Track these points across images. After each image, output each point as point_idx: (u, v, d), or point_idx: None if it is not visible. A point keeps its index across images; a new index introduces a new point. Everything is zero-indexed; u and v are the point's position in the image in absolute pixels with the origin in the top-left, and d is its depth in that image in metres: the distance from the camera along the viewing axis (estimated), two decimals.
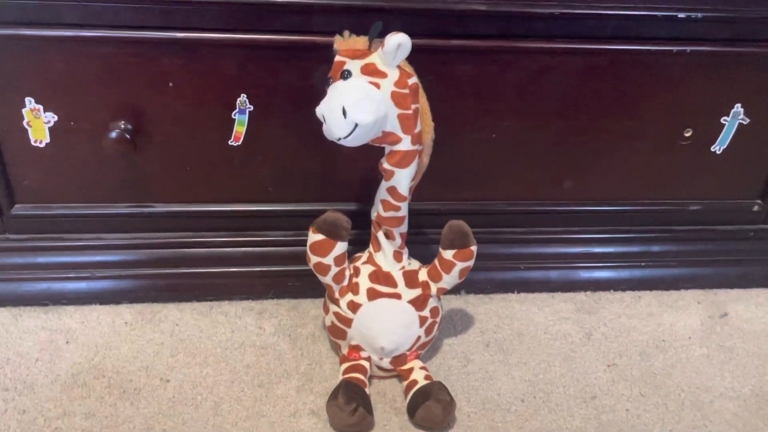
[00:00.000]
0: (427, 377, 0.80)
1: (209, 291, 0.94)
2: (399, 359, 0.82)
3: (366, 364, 0.81)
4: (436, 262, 0.80)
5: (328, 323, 0.83)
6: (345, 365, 0.81)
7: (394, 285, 0.79)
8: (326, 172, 0.89)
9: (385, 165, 0.73)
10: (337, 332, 0.82)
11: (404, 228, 0.78)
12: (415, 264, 0.82)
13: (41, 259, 0.91)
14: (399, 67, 0.69)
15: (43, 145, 0.83)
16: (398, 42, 0.66)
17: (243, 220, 0.92)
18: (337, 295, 0.80)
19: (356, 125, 0.67)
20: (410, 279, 0.79)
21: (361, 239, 0.84)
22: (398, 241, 0.78)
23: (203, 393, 0.80)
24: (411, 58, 0.70)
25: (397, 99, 0.69)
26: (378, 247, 0.79)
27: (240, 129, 0.84)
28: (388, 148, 0.73)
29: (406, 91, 0.69)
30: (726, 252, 1.03)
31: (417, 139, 0.72)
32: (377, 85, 0.68)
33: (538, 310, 0.97)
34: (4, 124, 0.81)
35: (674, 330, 0.95)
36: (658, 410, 0.82)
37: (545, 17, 0.80)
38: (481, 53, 0.82)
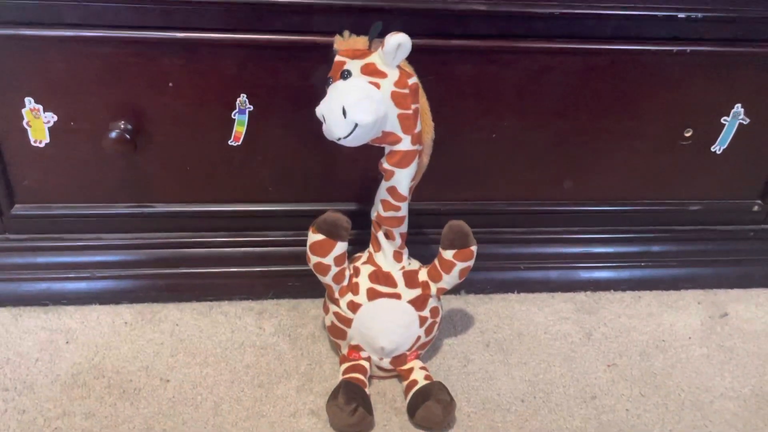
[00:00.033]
0: (427, 377, 0.80)
1: (209, 291, 0.94)
2: (399, 359, 0.81)
3: (366, 364, 0.81)
4: (436, 262, 0.80)
5: (328, 323, 0.83)
6: (345, 365, 0.81)
7: (394, 285, 0.79)
8: (326, 172, 0.89)
9: (385, 165, 0.73)
10: (337, 332, 0.82)
11: (404, 228, 0.78)
12: (415, 264, 0.82)
13: (41, 259, 0.91)
14: (399, 67, 0.69)
15: (42, 145, 0.83)
16: (398, 42, 0.66)
17: (243, 220, 0.92)
18: (337, 295, 0.80)
19: (356, 125, 0.67)
20: (410, 279, 0.79)
21: (361, 239, 0.84)
22: (398, 241, 0.78)
23: (203, 393, 0.80)
24: (411, 58, 0.70)
25: (397, 99, 0.69)
26: (378, 247, 0.79)
27: (240, 129, 0.84)
28: (388, 148, 0.73)
29: (406, 91, 0.69)
30: (726, 252, 1.03)
31: (417, 139, 0.72)
32: (377, 85, 0.68)
33: (538, 310, 0.97)
34: (3, 124, 0.81)
35: (674, 330, 0.95)
36: (658, 410, 0.82)
37: (545, 17, 0.80)
38: (481, 53, 0.82)
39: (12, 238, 0.89)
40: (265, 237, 0.93)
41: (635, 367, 0.88)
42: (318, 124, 0.69)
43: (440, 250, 0.79)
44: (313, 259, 0.77)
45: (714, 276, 1.03)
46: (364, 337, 0.80)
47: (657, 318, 0.97)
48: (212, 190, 0.89)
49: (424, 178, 0.76)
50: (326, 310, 0.83)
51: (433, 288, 0.80)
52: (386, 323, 0.79)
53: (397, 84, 0.69)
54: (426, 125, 0.73)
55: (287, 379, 0.83)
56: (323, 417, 0.77)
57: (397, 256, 0.79)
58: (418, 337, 0.81)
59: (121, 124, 0.81)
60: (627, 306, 0.99)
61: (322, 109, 0.68)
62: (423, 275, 0.80)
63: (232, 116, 0.83)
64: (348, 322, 0.80)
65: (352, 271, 0.80)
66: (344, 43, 0.70)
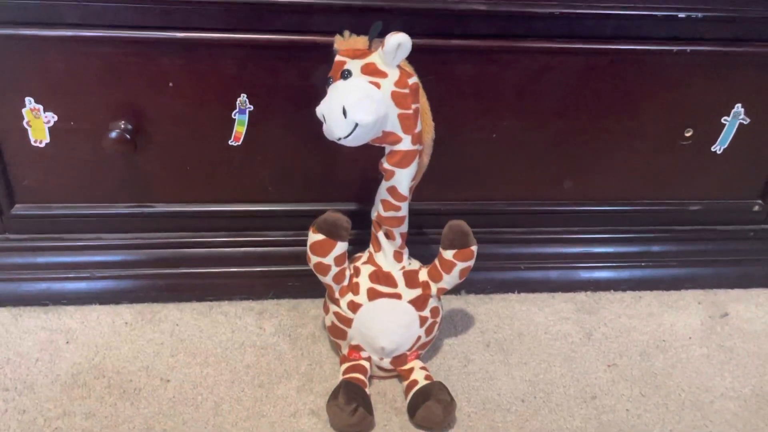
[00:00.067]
0: (427, 377, 0.80)
1: (209, 291, 0.94)
2: (399, 359, 0.81)
3: (366, 364, 0.81)
4: (436, 262, 0.80)
5: (328, 323, 0.83)
6: (345, 365, 0.81)
7: (395, 285, 0.79)
8: (326, 172, 0.89)
9: (386, 165, 0.73)
10: (337, 332, 0.82)
11: (404, 228, 0.78)
12: (415, 264, 0.82)
13: (41, 259, 0.91)
14: (399, 66, 0.69)
15: (43, 145, 0.82)
16: (398, 42, 0.66)
17: (243, 220, 0.92)
18: (337, 295, 0.80)
19: (356, 125, 0.67)
20: (410, 279, 0.79)
21: (361, 239, 0.84)
22: (398, 241, 0.78)
23: (203, 393, 0.80)
24: (411, 58, 0.70)
25: (397, 99, 0.69)
26: (378, 247, 0.79)
27: (240, 129, 0.84)
28: (388, 148, 0.73)
29: (407, 90, 0.69)
30: (726, 252, 1.03)
31: (417, 139, 0.72)
32: (377, 85, 0.68)
33: (538, 310, 0.97)
34: (4, 123, 0.81)
35: (674, 330, 0.95)
36: (659, 410, 0.82)
37: (545, 17, 0.80)
38: (481, 53, 0.82)
39: (12, 238, 0.89)
40: (266, 237, 0.93)
41: (635, 367, 0.88)
42: (318, 123, 0.69)
43: (440, 250, 0.79)
44: (314, 259, 0.77)
45: (714, 276, 1.03)
46: (364, 337, 0.80)
47: (657, 318, 0.97)
48: (212, 190, 0.89)
49: (424, 178, 0.76)
50: (326, 310, 0.83)
51: (434, 288, 0.80)
52: (386, 323, 0.79)
53: (397, 84, 0.69)
54: (426, 125, 0.73)
55: (287, 379, 0.83)
56: (323, 417, 0.77)
57: (398, 256, 0.79)
58: (419, 337, 0.81)
59: (121, 124, 0.81)
60: (627, 306, 0.99)
61: (322, 109, 0.68)
62: (423, 275, 0.80)
63: (232, 116, 0.83)
64: (348, 322, 0.80)
65: (352, 271, 0.80)
66: (344, 42, 0.70)
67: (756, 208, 1.00)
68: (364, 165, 0.87)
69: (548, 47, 0.82)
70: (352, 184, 0.90)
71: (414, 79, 0.70)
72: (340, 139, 0.68)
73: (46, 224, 0.89)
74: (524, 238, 0.99)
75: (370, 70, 0.68)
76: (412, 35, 0.67)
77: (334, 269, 0.77)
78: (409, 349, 0.81)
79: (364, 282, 0.79)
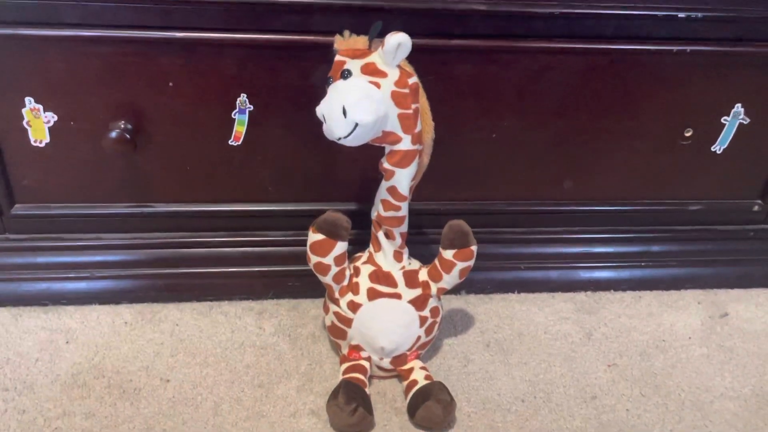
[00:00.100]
0: (427, 377, 0.80)
1: (209, 291, 0.94)
2: (399, 359, 0.81)
3: (366, 364, 0.81)
4: (436, 261, 0.80)
5: (328, 323, 0.83)
6: (345, 365, 0.81)
7: (394, 285, 0.79)
8: (326, 171, 0.89)
9: (386, 165, 0.73)
10: (337, 332, 0.82)
11: (404, 228, 0.78)
12: (415, 264, 0.82)
13: (41, 259, 0.90)
14: (399, 66, 0.69)
15: (42, 144, 0.82)
16: (398, 41, 0.66)
17: (243, 220, 0.92)
18: (337, 294, 0.80)
19: (356, 125, 0.67)
20: (410, 279, 0.79)
21: (361, 239, 0.84)
22: (398, 240, 0.78)
23: (203, 393, 0.80)
24: (411, 58, 0.70)
25: (397, 98, 0.69)
26: (378, 246, 0.79)
27: (240, 129, 0.84)
28: (388, 148, 0.73)
29: (407, 90, 0.69)
30: (726, 252, 1.03)
31: (417, 139, 0.72)
32: (377, 85, 0.68)
33: (538, 310, 0.97)
34: (4, 123, 0.81)
35: (674, 330, 0.95)
36: (659, 410, 0.82)
37: (545, 17, 0.80)
38: (480, 53, 0.82)
39: (12, 237, 0.89)
40: (265, 237, 0.93)
41: (635, 367, 0.88)
42: (318, 123, 0.69)
43: (440, 249, 0.79)
44: (314, 259, 0.77)
45: (714, 276, 1.03)
46: (364, 337, 0.80)
47: (657, 318, 0.97)
48: (212, 190, 0.89)
49: (424, 178, 0.76)
50: (326, 310, 0.83)
51: (434, 288, 0.80)
52: (386, 323, 0.79)
53: (397, 84, 0.69)
54: (426, 125, 0.73)
55: (287, 379, 0.83)
56: (323, 417, 0.77)
57: (398, 256, 0.79)
58: (419, 337, 0.81)
59: (121, 124, 0.81)
60: (627, 306, 0.99)
61: (322, 109, 0.68)
62: (423, 275, 0.80)
63: (232, 116, 0.83)
64: (348, 322, 0.80)
65: (352, 271, 0.80)
66: (344, 42, 0.70)
67: (756, 208, 1.00)
68: (364, 165, 0.87)
69: (548, 47, 0.82)
70: (352, 184, 0.90)
71: (414, 79, 0.70)
72: (340, 138, 0.68)
73: (46, 224, 0.89)
74: (524, 238, 0.99)
75: (370, 70, 0.68)
76: (412, 35, 0.67)
77: (334, 269, 0.77)
78: (409, 349, 0.81)
79: (364, 282, 0.79)
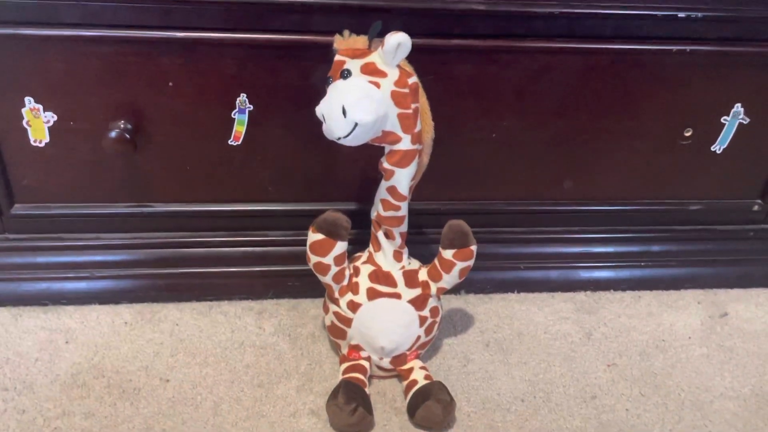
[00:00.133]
0: (427, 377, 0.80)
1: (209, 291, 0.94)
2: (399, 359, 0.81)
3: (366, 363, 0.81)
4: (435, 261, 0.80)
5: (327, 323, 0.83)
6: (345, 365, 0.81)
7: (394, 285, 0.79)
8: (326, 171, 0.89)
9: (385, 164, 0.73)
10: (336, 332, 0.82)
11: (404, 227, 0.78)
12: (415, 264, 0.82)
13: (41, 259, 0.90)
14: (399, 66, 0.69)
15: (42, 144, 0.82)
16: (398, 41, 0.66)
17: (243, 220, 0.92)
18: (336, 294, 0.80)
19: (356, 125, 0.67)
20: (410, 279, 0.79)
21: (360, 239, 0.84)
22: (398, 240, 0.78)
23: (203, 393, 0.80)
24: (410, 58, 0.70)
25: (397, 98, 0.69)
26: (378, 246, 0.79)
27: (240, 128, 0.84)
28: (388, 148, 0.73)
29: (406, 90, 0.69)
30: (726, 252, 1.03)
31: (417, 139, 0.72)
32: (377, 85, 0.68)
33: (538, 310, 0.97)
34: (3, 123, 0.80)
35: (674, 330, 0.95)
36: (658, 410, 0.82)
37: (545, 17, 0.80)
38: (480, 53, 0.82)
39: (11, 237, 0.89)
40: (265, 237, 0.93)
41: (635, 367, 0.88)
42: (318, 123, 0.69)
43: (440, 249, 0.79)
44: (313, 259, 0.77)
45: (714, 276, 1.03)
46: (364, 337, 0.80)
47: (657, 318, 0.97)
48: (212, 190, 0.89)
49: (423, 178, 0.76)
50: (326, 309, 0.83)
51: (433, 287, 0.80)
52: (386, 323, 0.79)
53: (397, 83, 0.69)
54: (426, 125, 0.73)
55: (287, 379, 0.83)
56: (323, 417, 0.77)
57: (397, 256, 0.79)
58: (418, 337, 0.81)
59: (121, 124, 0.81)
60: (627, 306, 0.99)
61: (321, 109, 0.68)
62: (423, 275, 0.80)
63: (232, 116, 0.83)
64: (348, 321, 0.80)
65: (352, 271, 0.80)
66: (344, 42, 0.70)
67: (756, 207, 1.00)
68: (363, 165, 0.87)
69: (548, 47, 0.82)
70: (351, 183, 0.90)
71: (413, 79, 0.70)
72: (339, 138, 0.68)
73: (46, 224, 0.89)
74: (524, 237, 0.99)
75: (370, 70, 0.68)
76: (411, 35, 0.67)
77: (334, 269, 0.77)
78: (409, 349, 0.81)
79: (363, 282, 0.79)
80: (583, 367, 0.88)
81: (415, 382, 0.79)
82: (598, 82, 0.86)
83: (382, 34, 0.67)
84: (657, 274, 1.02)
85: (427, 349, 0.86)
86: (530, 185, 0.94)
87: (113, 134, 0.80)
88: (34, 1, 0.73)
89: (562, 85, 0.86)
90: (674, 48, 0.84)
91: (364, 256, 0.81)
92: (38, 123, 0.81)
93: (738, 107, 0.90)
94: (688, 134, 0.92)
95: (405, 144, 0.71)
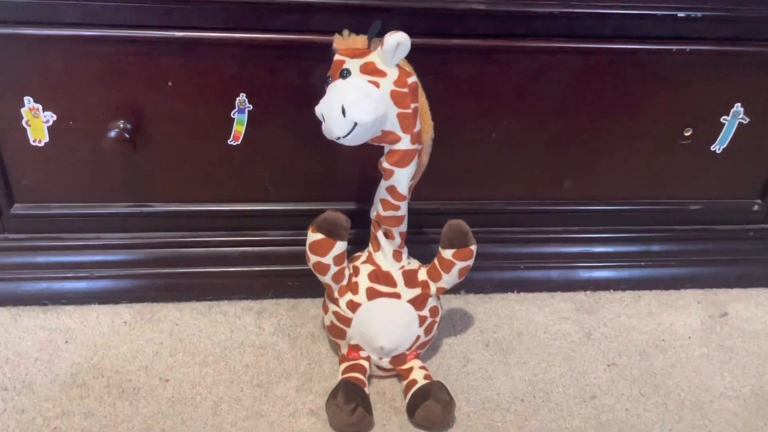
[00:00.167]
0: (426, 377, 0.80)
1: (208, 290, 0.94)
2: (398, 359, 0.81)
3: (365, 363, 0.81)
4: (435, 261, 0.80)
5: (327, 323, 0.83)
6: (344, 365, 0.81)
7: (394, 284, 0.79)
8: (326, 171, 0.89)
9: (385, 164, 0.73)
10: (336, 332, 0.82)
11: (404, 227, 0.78)
12: (414, 263, 0.82)
13: (40, 259, 0.90)
14: (398, 66, 0.69)
15: (42, 144, 0.82)
16: (397, 41, 0.66)
17: (242, 220, 0.92)
18: (336, 294, 0.80)
19: (355, 124, 0.67)
20: (410, 278, 0.79)
21: (360, 238, 0.84)
22: (398, 240, 0.78)
23: (202, 393, 0.80)
24: (410, 58, 0.70)
25: (396, 98, 0.69)
26: (377, 246, 0.79)
27: (239, 128, 0.84)
28: (387, 147, 0.73)
29: (406, 90, 0.69)
30: (726, 251, 1.03)
31: (416, 138, 0.72)
32: (376, 84, 0.68)
33: (537, 310, 0.97)
34: (3, 123, 0.80)
35: (674, 330, 0.95)
36: (658, 410, 0.82)
37: (545, 16, 0.80)
38: (480, 52, 0.82)
39: (11, 237, 0.89)
40: (265, 236, 0.93)
41: (635, 367, 0.88)
42: (317, 123, 0.69)
43: (440, 249, 0.79)
44: (313, 259, 0.77)
45: (714, 275, 1.03)
46: (363, 337, 0.80)
47: (657, 317, 0.97)
48: (211, 190, 0.89)
49: (423, 178, 0.76)
50: (326, 309, 0.83)
51: (433, 287, 0.80)
52: (386, 323, 0.79)
53: (396, 83, 0.69)
54: (425, 124, 0.73)
55: (286, 379, 0.83)
56: (323, 417, 0.77)
57: (397, 256, 0.79)
58: (418, 337, 0.81)
59: (121, 124, 0.81)
60: (627, 305, 0.99)
61: (321, 108, 0.68)
62: (422, 274, 0.80)
63: (232, 115, 0.83)
64: (347, 321, 0.80)
65: (351, 271, 0.80)
66: (343, 42, 0.70)
67: (755, 207, 1.00)
68: (363, 164, 0.87)
69: (548, 47, 0.82)
70: (351, 183, 0.90)
71: (413, 79, 0.70)
72: (339, 138, 0.68)
73: (45, 224, 0.89)
74: (524, 237, 0.99)
75: (369, 70, 0.68)
76: (411, 34, 0.67)
77: (334, 269, 0.77)
78: (408, 349, 0.81)
79: (363, 281, 0.79)
80: (582, 366, 0.88)
81: (414, 381, 0.79)
82: (598, 82, 0.86)
83: (381, 34, 0.67)
84: (657, 274, 1.02)
85: (426, 349, 0.86)
86: (530, 185, 0.94)
87: (113, 134, 0.80)
88: (34, 1, 0.73)
89: (562, 84, 0.86)
90: (674, 48, 0.84)
91: (364, 255, 0.81)
92: (38, 123, 0.81)
93: (738, 107, 0.90)
94: (687, 134, 0.92)
95: (404, 144, 0.71)
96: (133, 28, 0.76)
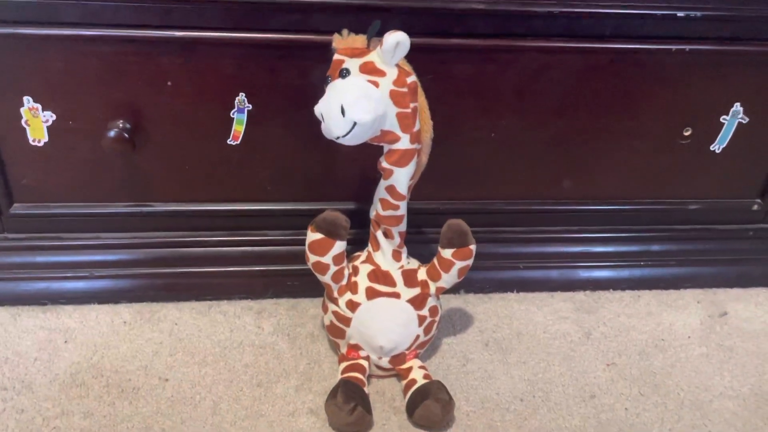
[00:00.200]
0: (425, 376, 0.80)
1: (208, 290, 0.94)
2: (398, 358, 0.81)
3: (365, 363, 0.81)
4: (435, 261, 0.80)
5: (326, 322, 0.83)
6: (344, 364, 0.81)
7: (393, 284, 0.79)
8: (325, 171, 0.89)
9: (384, 164, 0.73)
10: (335, 331, 0.82)
11: (403, 227, 0.78)
12: (414, 263, 0.82)
13: (40, 259, 0.90)
14: (398, 65, 0.69)
15: (41, 144, 0.82)
16: (397, 40, 0.66)
17: (242, 220, 0.92)
18: (335, 294, 0.80)
19: (355, 124, 0.67)
20: (409, 278, 0.79)
21: (359, 238, 0.84)
22: (397, 240, 0.78)
23: (202, 392, 0.80)
24: (409, 57, 0.70)
25: (395, 97, 0.69)
26: (377, 246, 0.79)
27: (239, 128, 0.84)
28: (386, 147, 0.73)
29: (405, 89, 0.69)
30: (725, 251, 1.03)
31: (416, 138, 0.72)
32: (376, 84, 0.68)
33: (537, 310, 0.97)
34: (2, 123, 0.80)
35: (673, 329, 0.95)
36: (658, 409, 0.82)
37: (544, 16, 0.80)
38: (479, 52, 0.82)
39: (11, 237, 0.89)
40: (264, 236, 0.93)
41: (634, 367, 0.88)
42: (317, 122, 0.69)
43: (439, 249, 0.79)
44: (312, 258, 0.77)
45: (713, 275, 1.03)
46: (363, 336, 0.80)
47: (656, 317, 0.97)
48: (211, 189, 0.89)
49: (422, 177, 0.76)
50: (325, 309, 0.83)
51: (432, 287, 0.80)
52: (385, 322, 0.79)
53: (395, 82, 0.69)
54: (425, 124, 0.73)
55: (286, 379, 0.83)
56: (322, 416, 0.77)
57: (396, 255, 0.79)
58: (417, 336, 0.81)
59: (120, 123, 0.81)
60: (626, 305, 0.99)
61: (320, 108, 0.68)
62: (422, 274, 0.80)
63: (231, 115, 0.83)
64: (347, 321, 0.80)
65: (351, 270, 0.80)
66: (343, 41, 0.70)
67: (755, 207, 1.00)
68: (362, 164, 0.87)
69: (547, 46, 0.82)
70: (350, 183, 0.90)
71: (412, 78, 0.70)
72: (338, 137, 0.68)
73: (45, 223, 0.89)
74: (523, 237, 0.99)
75: (369, 69, 0.68)
76: (410, 34, 0.67)
77: (333, 268, 0.77)
78: (408, 348, 0.81)
79: (362, 281, 0.79)
80: (582, 366, 0.88)
81: (414, 381, 0.79)
82: (598, 82, 0.86)
83: (380, 33, 0.67)
84: (656, 274, 1.02)
85: (426, 349, 0.86)
86: (530, 185, 0.94)
87: (112, 133, 0.80)
88: (34, 1, 0.73)
89: (562, 84, 0.86)
90: (673, 47, 0.84)
91: (363, 255, 0.81)
92: (37, 122, 0.81)
93: (737, 106, 0.90)
94: (687, 133, 0.92)
95: (404, 143, 0.71)
96: (133, 28, 0.76)
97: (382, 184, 0.75)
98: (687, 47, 0.84)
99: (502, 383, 0.84)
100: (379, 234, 0.78)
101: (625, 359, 0.89)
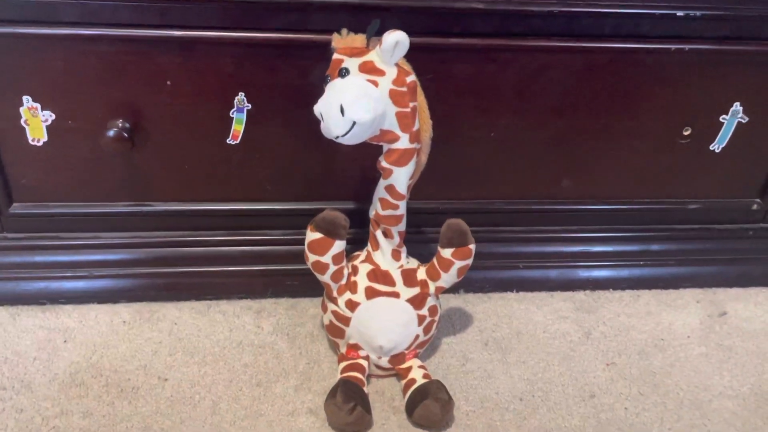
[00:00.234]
0: (425, 376, 0.80)
1: (207, 290, 0.94)
2: (397, 358, 0.81)
3: (364, 362, 0.81)
4: (434, 260, 0.80)
5: (326, 322, 0.83)
6: (343, 364, 0.81)
7: (393, 284, 0.79)
8: (325, 170, 0.89)
9: (384, 163, 0.73)
10: (335, 331, 0.82)
11: (402, 226, 0.78)
12: (413, 263, 0.82)
13: (39, 258, 0.90)
14: (397, 65, 0.69)
15: (40, 143, 0.82)
16: (396, 40, 0.66)
17: (241, 219, 0.92)
18: (335, 293, 0.80)
19: (354, 123, 0.67)
20: (409, 278, 0.79)
21: (359, 238, 0.84)
22: (396, 239, 0.78)
23: (201, 392, 0.80)
24: (409, 56, 0.70)
25: (395, 97, 0.69)
26: (376, 245, 0.79)
27: (238, 127, 0.84)
28: (386, 147, 0.73)
29: (404, 89, 0.69)
30: (725, 251, 1.03)
31: (415, 138, 0.72)
32: (375, 83, 0.68)
33: (536, 309, 0.97)
34: (1, 122, 0.80)
35: (673, 329, 0.95)
36: (657, 409, 0.82)
37: (544, 15, 0.80)
38: (479, 51, 0.82)
39: (10, 237, 0.89)
40: (264, 236, 0.93)
41: (634, 366, 0.88)
42: (316, 122, 0.69)
43: (439, 248, 0.79)
44: (312, 258, 0.77)
45: (713, 275, 1.03)
46: (362, 336, 0.80)
47: (656, 317, 0.97)
48: (211, 189, 0.89)
49: (422, 177, 0.76)
50: (324, 308, 0.83)
51: (432, 287, 0.80)
52: (385, 322, 0.79)
53: (395, 82, 0.69)
54: (424, 123, 0.73)
55: (285, 378, 0.83)
56: (321, 416, 0.77)
57: (396, 255, 0.79)
58: (417, 336, 0.81)
59: (119, 123, 0.81)
60: (626, 305, 0.99)
61: (320, 107, 0.68)
62: (421, 274, 0.80)
63: (230, 115, 0.83)
64: (346, 320, 0.80)
65: (350, 270, 0.80)
66: (342, 41, 0.70)
67: (754, 206, 1.00)
68: (362, 163, 0.87)
69: (547, 46, 0.82)
70: (350, 182, 0.90)
71: (412, 78, 0.70)
72: (337, 137, 0.68)
73: (44, 223, 0.89)
74: (523, 236, 0.99)
75: (368, 69, 0.68)
76: (410, 33, 0.67)
77: (332, 268, 0.77)
78: (407, 348, 0.81)
79: (362, 281, 0.79)
80: (581, 366, 0.88)
81: (413, 381, 0.79)
82: (597, 81, 0.86)
83: (380, 33, 0.67)
84: (656, 273, 1.02)
85: (425, 348, 0.86)
86: (529, 184, 0.94)
87: (111, 133, 0.80)
88: (33, 0, 0.73)
89: (561, 84, 0.86)
90: (673, 47, 0.84)
91: (363, 255, 0.81)
92: (36, 122, 0.81)
93: (737, 106, 0.90)
94: (686, 133, 0.92)
95: (403, 143, 0.71)
96: (132, 27, 0.76)
97: (382, 183, 0.75)
98: (686, 47, 0.84)
99: (501, 383, 0.84)
100: (379, 233, 0.78)
101: (625, 359, 0.89)
